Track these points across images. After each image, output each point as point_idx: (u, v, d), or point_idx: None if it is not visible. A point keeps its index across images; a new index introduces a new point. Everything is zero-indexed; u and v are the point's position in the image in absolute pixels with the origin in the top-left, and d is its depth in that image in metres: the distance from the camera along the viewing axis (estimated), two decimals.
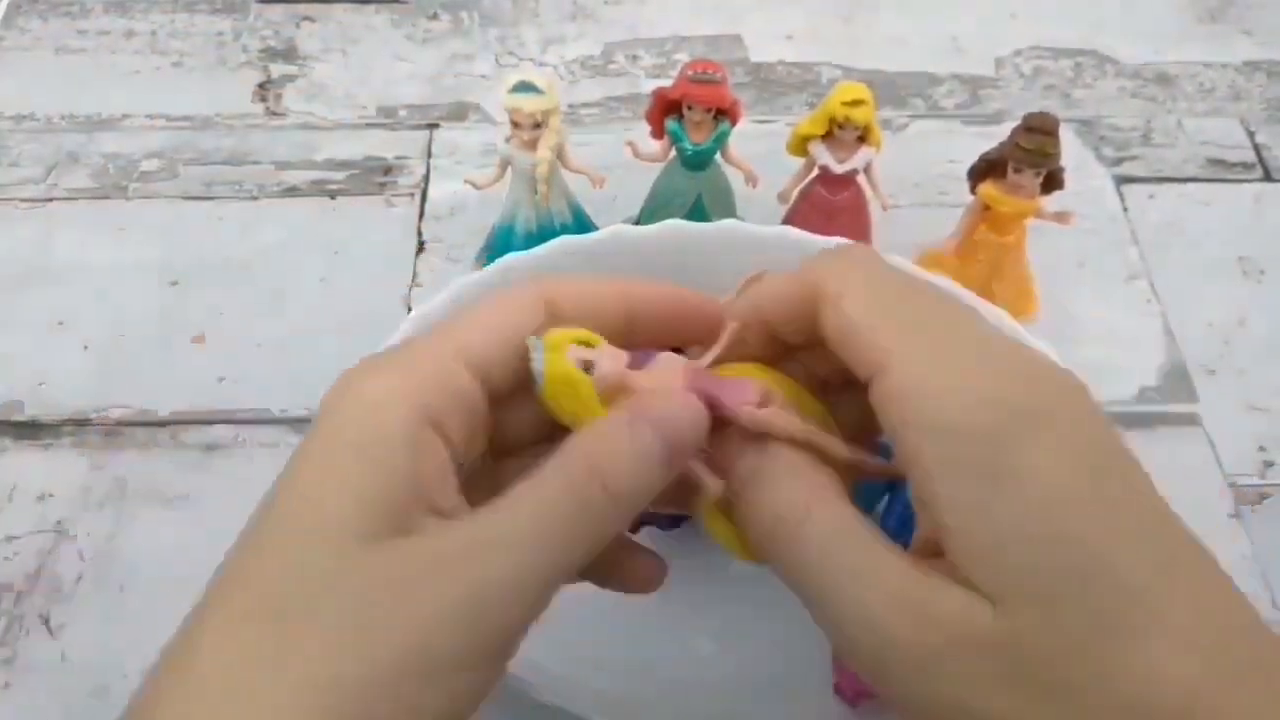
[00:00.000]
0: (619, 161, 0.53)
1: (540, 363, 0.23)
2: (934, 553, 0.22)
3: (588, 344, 0.24)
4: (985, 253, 0.51)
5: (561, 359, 0.23)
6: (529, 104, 0.48)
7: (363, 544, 0.20)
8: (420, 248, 0.57)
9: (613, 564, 0.25)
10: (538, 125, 0.49)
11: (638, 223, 0.54)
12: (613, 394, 0.24)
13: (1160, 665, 0.19)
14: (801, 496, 0.23)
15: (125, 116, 0.64)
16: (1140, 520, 0.20)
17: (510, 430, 0.25)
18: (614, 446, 0.22)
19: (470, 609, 0.20)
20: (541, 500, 0.21)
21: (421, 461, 0.21)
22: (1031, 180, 0.49)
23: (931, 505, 0.21)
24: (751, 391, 0.24)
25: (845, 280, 0.23)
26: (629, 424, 0.22)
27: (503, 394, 0.24)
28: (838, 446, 0.24)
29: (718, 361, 0.26)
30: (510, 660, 0.22)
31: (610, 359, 0.24)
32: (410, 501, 0.21)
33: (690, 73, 0.49)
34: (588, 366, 0.24)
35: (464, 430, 0.23)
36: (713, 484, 0.24)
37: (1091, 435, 0.21)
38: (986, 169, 0.50)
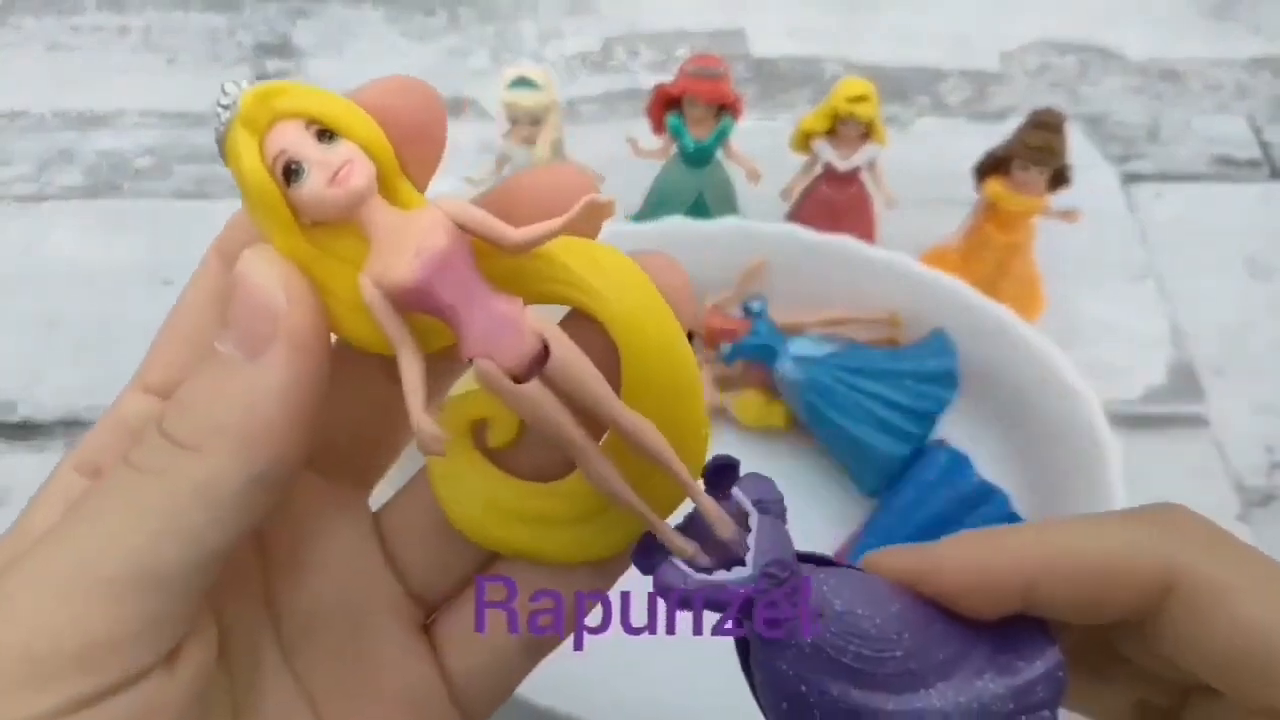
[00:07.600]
0: (618, 158, 0.52)
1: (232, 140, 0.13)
2: None
3: (328, 128, 0.14)
4: (991, 251, 0.51)
5: (253, 147, 0.14)
6: (526, 100, 0.48)
7: None
8: None
9: None
10: (535, 121, 0.49)
11: (638, 220, 0.53)
12: (341, 230, 0.15)
13: None
14: None
15: (118, 113, 0.63)
16: None
17: None
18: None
19: None
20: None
21: None
22: (1038, 177, 0.48)
23: None
24: (522, 324, 0.15)
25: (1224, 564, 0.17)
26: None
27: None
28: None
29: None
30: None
31: (357, 171, 0.15)
32: None
33: (691, 68, 0.48)
34: (291, 171, 0.15)
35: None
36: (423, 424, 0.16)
37: None
38: (993, 166, 0.49)
